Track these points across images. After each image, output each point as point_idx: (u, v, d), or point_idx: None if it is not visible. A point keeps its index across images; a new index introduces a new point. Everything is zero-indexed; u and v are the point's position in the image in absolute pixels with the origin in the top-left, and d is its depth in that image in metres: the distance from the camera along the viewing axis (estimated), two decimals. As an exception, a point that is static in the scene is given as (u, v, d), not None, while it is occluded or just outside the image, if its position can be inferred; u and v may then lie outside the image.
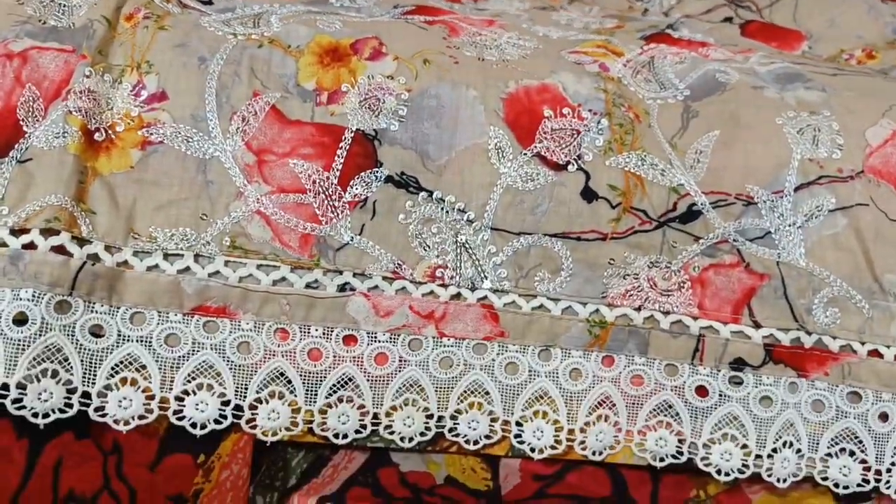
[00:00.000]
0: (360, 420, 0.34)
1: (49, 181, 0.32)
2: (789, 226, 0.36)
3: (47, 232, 0.32)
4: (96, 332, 0.32)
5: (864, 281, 0.36)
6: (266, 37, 0.37)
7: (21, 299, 0.31)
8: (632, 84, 0.40)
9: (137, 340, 0.33)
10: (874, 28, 0.52)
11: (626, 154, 0.36)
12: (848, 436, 0.36)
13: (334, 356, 0.34)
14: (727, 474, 0.36)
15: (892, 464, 0.36)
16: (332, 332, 0.34)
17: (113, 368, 0.32)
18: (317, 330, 0.34)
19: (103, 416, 0.32)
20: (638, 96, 0.39)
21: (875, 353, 0.36)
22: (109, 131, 0.34)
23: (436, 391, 0.35)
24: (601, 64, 0.40)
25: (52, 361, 0.31)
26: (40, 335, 0.31)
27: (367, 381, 0.34)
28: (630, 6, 0.60)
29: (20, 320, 0.31)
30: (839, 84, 0.41)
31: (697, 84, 0.40)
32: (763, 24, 0.55)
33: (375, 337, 0.35)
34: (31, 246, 0.32)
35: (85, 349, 0.32)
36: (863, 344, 0.36)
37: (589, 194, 0.36)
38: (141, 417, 0.32)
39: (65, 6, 0.37)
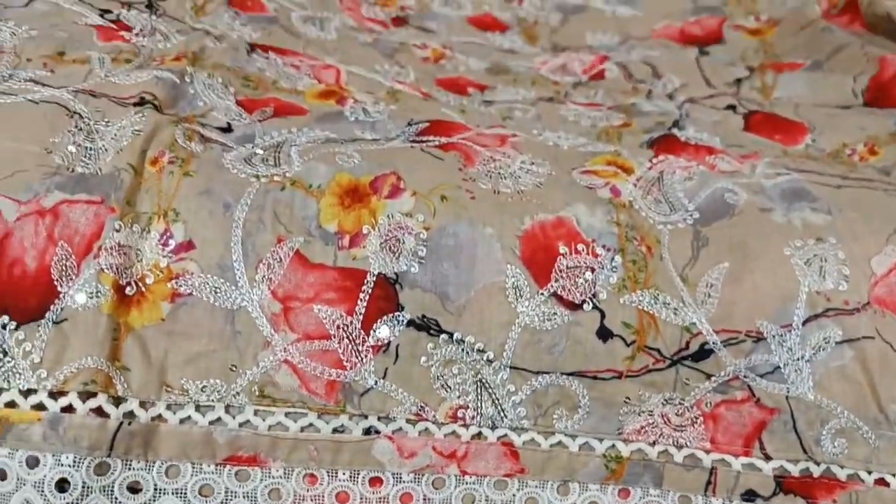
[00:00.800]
0: (386, 558, 0.35)
1: (85, 343, 0.33)
2: (798, 359, 0.37)
3: (85, 395, 0.33)
4: (134, 487, 0.33)
5: (869, 412, 0.37)
6: (288, 178, 0.38)
7: (62, 465, 0.32)
8: (643, 207, 0.41)
9: (173, 493, 0.34)
10: (875, 123, 0.53)
11: (639, 292, 0.37)
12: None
13: (361, 498, 0.35)
14: None
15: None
16: (358, 474, 0.35)
17: (149, 520, 0.33)
18: (344, 473, 0.35)
19: (140, 567, 0.33)
20: (649, 222, 0.40)
21: (881, 482, 0.37)
22: (140, 284, 0.35)
23: (458, 526, 0.36)
24: (612, 187, 0.42)
25: (91, 520, 0.32)
26: (82, 499, 0.32)
27: (393, 519, 0.36)
28: (634, 87, 0.62)
29: (62, 485, 0.32)
30: (844, 200, 0.42)
31: (706, 205, 0.41)
32: (767, 116, 0.56)
33: (400, 478, 0.36)
34: (69, 409, 0.33)
35: (122, 504, 0.33)
36: (869, 473, 0.37)
37: (604, 333, 0.37)
38: (176, 566, 0.34)
39: (91, 150, 0.38)
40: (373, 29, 0.64)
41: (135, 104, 0.40)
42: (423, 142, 0.43)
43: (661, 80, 0.62)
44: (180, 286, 0.35)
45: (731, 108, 0.57)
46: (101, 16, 0.49)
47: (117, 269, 0.35)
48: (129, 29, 0.49)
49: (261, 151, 0.40)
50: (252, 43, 0.52)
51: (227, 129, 0.42)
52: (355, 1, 0.67)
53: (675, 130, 0.50)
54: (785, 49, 0.66)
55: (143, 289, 0.35)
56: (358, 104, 0.48)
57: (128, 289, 0.35)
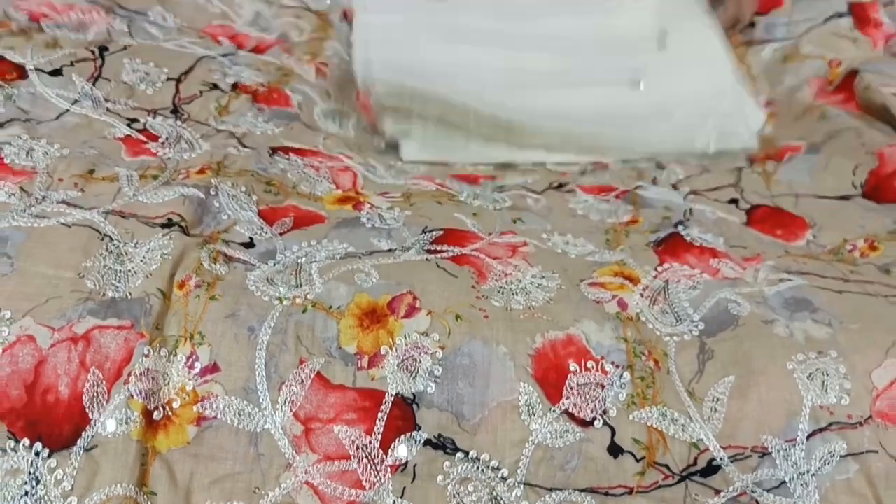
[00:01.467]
0: None
1: (115, 469, 0.35)
2: (803, 474, 0.38)
3: (114, 522, 0.34)
4: None
5: (876, 526, 0.38)
6: (310, 300, 0.40)
7: (92, 593, 0.33)
8: (649, 319, 0.42)
9: None
10: (874, 219, 0.55)
11: (648, 408, 0.39)
12: None
13: None
14: None
15: None
16: (377, 593, 0.36)
17: None
18: (363, 592, 0.36)
19: None
20: (656, 334, 0.41)
21: None
22: (167, 408, 0.37)
23: None
24: (619, 300, 0.43)
25: None
26: None
27: None
28: (639, 173, 0.63)
29: None
30: (845, 310, 0.43)
31: (711, 316, 0.43)
32: (769, 210, 0.57)
33: None
34: (99, 536, 0.34)
35: None
36: (876, 588, 0.38)
37: (615, 449, 0.38)
38: None
39: (121, 273, 0.39)
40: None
41: (162, 225, 0.42)
42: (437, 252, 0.45)
43: (664, 171, 0.64)
44: (205, 410, 0.37)
45: (734, 201, 0.59)
46: (129, 125, 0.52)
47: (146, 394, 0.36)
48: (155, 139, 0.51)
49: (283, 269, 0.42)
50: (273, 147, 0.54)
51: (250, 245, 0.44)
52: (366, 95, 0.70)
53: (680, 229, 0.52)
54: (783, 136, 0.68)
55: (170, 413, 0.37)
56: (374, 210, 0.50)
57: (155, 413, 0.36)
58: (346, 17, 0.75)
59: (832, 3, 0.74)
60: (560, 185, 0.58)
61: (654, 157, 0.66)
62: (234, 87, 0.59)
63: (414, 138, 0.65)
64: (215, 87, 0.58)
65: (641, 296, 0.44)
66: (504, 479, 0.38)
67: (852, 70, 0.68)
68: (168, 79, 0.57)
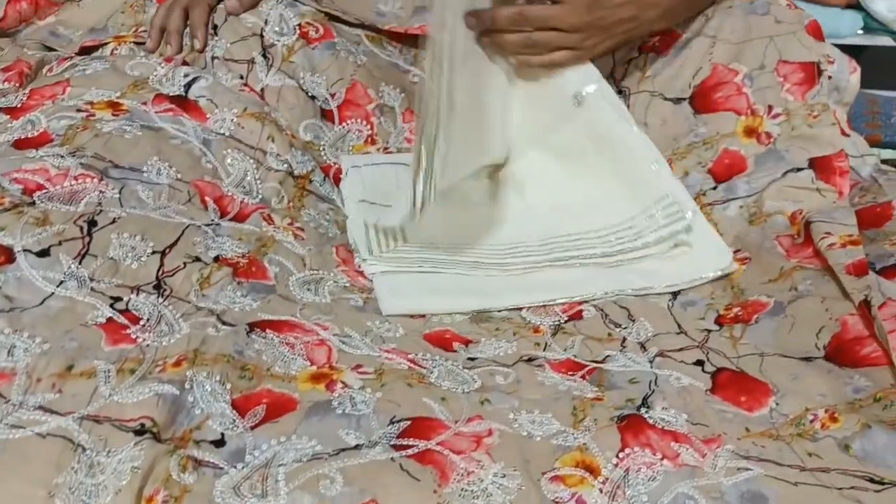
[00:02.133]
0: None
1: None
2: None
3: None
4: None
5: None
6: (273, 514, 0.41)
7: None
8: (609, 517, 0.43)
9: None
10: (834, 388, 0.56)
11: None
12: None
13: None
14: None
15: None
16: None
17: None
18: None
19: None
20: (615, 534, 0.42)
21: None
22: None
23: None
24: (578, 497, 0.44)
25: None
26: None
27: None
28: (609, 333, 0.65)
29: None
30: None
31: (668, 513, 0.44)
32: (733, 374, 0.59)
33: None
34: None
35: None
36: None
37: None
38: None
39: (92, 487, 0.41)
40: (364, 287, 0.68)
41: (136, 432, 0.44)
42: (403, 447, 0.46)
43: (635, 324, 0.66)
44: None
45: (700, 363, 0.60)
46: (112, 305, 0.54)
47: None
48: (136, 321, 0.53)
49: (250, 474, 0.43)
50: (251, 323, 0.56)
51: (221, 442, 0.46)
52: (349, 252, 0.72)
53: (643, 411, 0.53)
54: (750, 286, 0.70)
55: None
56: (346, 391, 0.51)
57: None
58: (335, 180, 0.79)
59: (791, 160, 0.77)
60: (530, 359, 0.60)
61: (626, 307, 0.68)
62: (216, 259, 0.61)
63: (397, 291, 0.67)
64: (198, 259, 0.60)
65: (601, 491, 0.45)
66: None
67: (807, 221, 0.71)
68: (153, 252, 0.59)
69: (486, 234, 0.76)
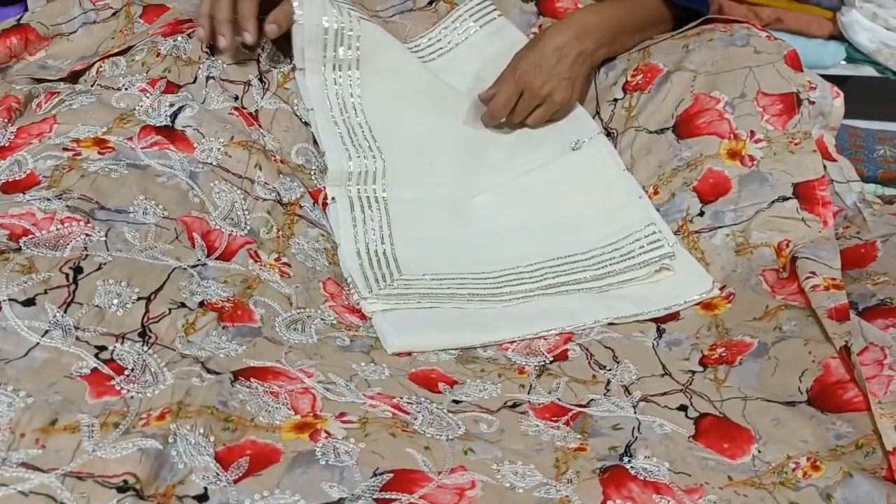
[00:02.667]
0: None
1: None
2: None
3: None
4: None
5: None
6: (255, 574, 0.41)
7: None
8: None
9: None
10: (817, 434, 0.57)
11: None
12: None
13: None
14: None
15: None
16: None
17: None
18: None
19: None
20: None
21: None
22: None
23: None
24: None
25: None
26: None
27: None
28: (594, 375, 0.65)
29: None
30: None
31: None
32: (716, 420, 0.59)
33: None
34: None
35: None
36: None
37: None
38: None
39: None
40: (351, 324, 0.68)
41: (118, 489, 0.44)
42: (386, 501, 0.46)
43: (619, 366, 0.66)
44: None
45: (684, 409, 0.61)
46: (97, 355, 0.54)
47: None
48: (121, 370, 0.53)
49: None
50: (236, 371, 0.56)
51: (204, 497, 0.46)
52: (338, 286, 0.73)
53: (625, 460, 0.53)
54: (735, 325, 0.70)
55: None
56: (330, 441, 0.51)
57: None
58: (324, 206, 0.79)
59: (777, 187, 0.78)
60: (515, 405, 0.60)
61: (611, 347, 0.69)
62: (201, 304, 0.61)
63: (400, 328, 0.69)
64: (183, 305, 0.60)
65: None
66: None
67: (794, 257, 0.72)
68: (139, 298, 0.59)
69: (479, 263, 0.77)
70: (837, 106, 0.84)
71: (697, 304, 0.74)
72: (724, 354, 0.67)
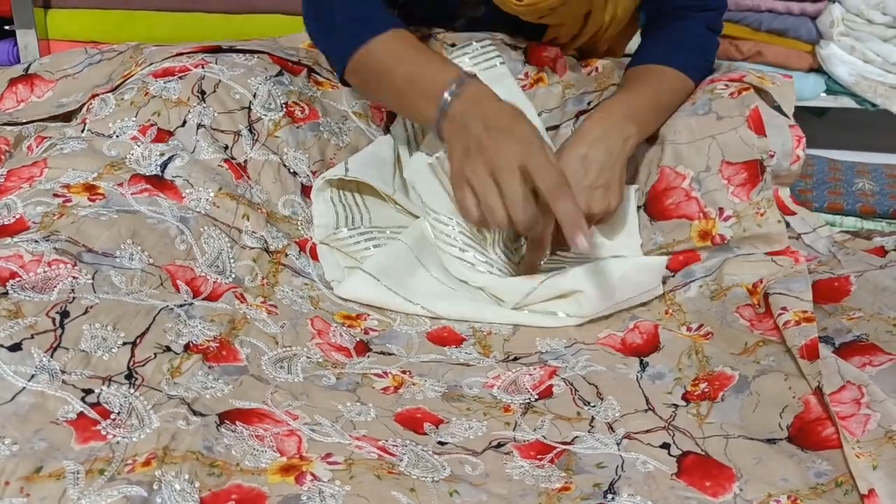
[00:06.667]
0: None
1: None
2: None
3: None
4: None
5: None
6: None
7: None
8: None
9: None
10: (797, 472, 0.57)
11: None
12: None
13: None
14: None
15: None
16: None
17: None
18: None
19: None
20: None
21: None
22: None
23: None
24: None
25: None
26: None
27: None
28: (578, 412, 0.66)
29: None
30: None
31: None
32: (698, 458, 0.60)
33: None
34: None
35: None
36: None
37: None
38: None
39: None
40: (337, 363, 0.69)
41: (102, 539, 0.44)
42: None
43: (603, 403, 0.67)
44: None
45: (667, 447, 0.61)
46: (84, 399, 0.54)
47: None
48: (107, 415, 0.54)
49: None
50: (221, 414, 0.57)
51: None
52: (325, 322, 0.73)
53: (609, 498, 0.54)
54: (715, 356, 0.71)
55: None
56: (315, 484, 0.52)
57: None
58: (311, 254, 0.80)
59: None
60: (499, 445, 0.60)
61: (594, 383, 0.69)
62: (186, 347, 0.62)
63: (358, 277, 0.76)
64: (168, 349, 0.61)
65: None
66: None
67: (766, 293, 0.73)
68: (124, 343, 0.60)
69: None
70: (794, 170, 0.86)
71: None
72: (706, 390, 0.68)
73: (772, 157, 0.83)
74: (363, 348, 0.73)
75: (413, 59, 0.77)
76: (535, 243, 0.79)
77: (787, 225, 0.85)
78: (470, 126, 0.72)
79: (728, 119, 0.84)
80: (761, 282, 0.77)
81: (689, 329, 0.77)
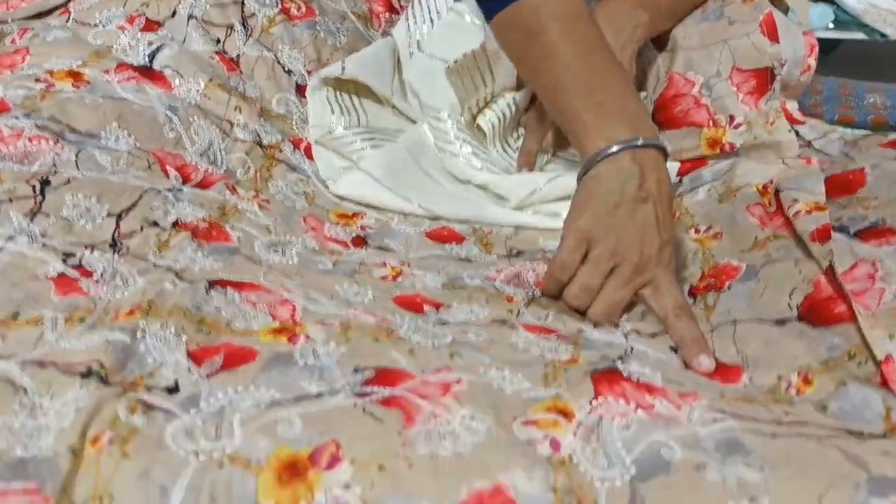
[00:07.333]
0: None
1: None
2: None
3: None
4: None
5: None
6: (227, 454, 0.39)
7: None
8: (581, 461, 0.42)
9: None
10: (807, 349, 0.55)
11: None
12: None
13: None
14: None
15: None
16: None
17: None
18: None
19: None
20: (587, 479, 0.41)
21: None
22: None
23: None
24: (552, 440, 0.42)
25: None
26: None
27: None
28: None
29: None
30: (778, 455, 0.43)
31: (643, 459, 0.42)
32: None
33: None
34: None
35: None
36: None
37: None
38: None
39: (33, 428, 0.38)
40: (333, 250, 0.66)
41: (82, 375, 0.41)
42: (366, 395, 0.44)
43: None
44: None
45: (674, 350, 0.59)
46: (65, 261, 0.52)
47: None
48: (89, 275, 0.51)
49: (205, 420, 0.41)
50: (211, 280, 0.54)
51: (174, 389, 0.43)
52: (318, 220, 0.71)
53: (618, 364, 0.52)
54: (721, 253, 0.69)
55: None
56: (309, 343, 0.49)
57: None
58: (306, 153, 0.77)
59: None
60: (504, 321, 0.58)
61: None
62: (175, 224, 0.59)
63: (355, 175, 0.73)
64: (156, 224, 0.58)
65: (574, 435, 0.43)
66: None
67: (777, 190, 0.71)
68: (109, 214, 0.57)
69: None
70: (804, 80, 0.83)
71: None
72: (712, 283, 0.66)
73: (783, 65, 0.81)
74: (360, 242, 0.70)
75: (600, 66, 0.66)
76: (533, 131, 0.75)
77: (797, 134, 0.83)
78: (638, 192, 0.61)
79: (741, 24, 0.82)
80: (772, 182, 0.75)
81: (696, 231, 0.74)
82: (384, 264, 0.66)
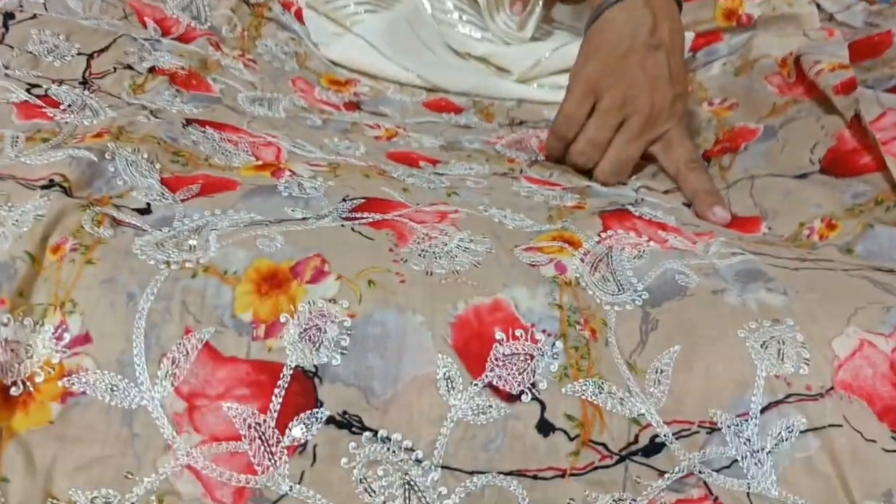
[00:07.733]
0: None
1: (-45, 452, 0.30)
2: (757, 451, 0.34)
3: (-49, 513, 0.29)
4: None
5: (841, 509, 0.34)
6: (201, 264, 0.35)
7: None
8: (589, 285, 0.38)
9: None
10: (831, 197, 0.51)
11: (582, 381, 0.34)
12: None
13: None
14: None
15: None
16: None
17: None
18: None
19: None
20: (595, 302, 0.37)
21: (857, 590, 0.33)
22: (27, 384, 0.32)
23: None
24: (557, 263, 0.39)
25: None
26: None
27: None
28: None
29: None
30: (802, 282, 0.39)
31: (656, 285, 0.39)
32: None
33: None
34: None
35: None
36: (844, 579, 0.33)
37: (545, 427, 0.34)
38: None
39: (-12, 237, 0.35)
40: (324, 110, 0.62)
41: (42, 187, 0.38)
42: (355, 219, 0.40)
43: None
44: (72, 384, 0.32)
45: (687, 205, 0.55)
46: (29, 90, 0.48)
47: (3, 367, 0.31)
48: (56, 105, 0.47)
49: (177, 235, 0.37)
50: (189, 118, 0.50)
51: (146, 211, 0.39)
52: (308, 83, 0.66)
53: (629, 207, 0.48)
54: (738, 119, 0.65)
55: (31, 388, 0.32)
56: (294, 178, 0.45)
57: (13, 389, 0.31)
58: (297, 16, 0.72)
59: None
60: (505, 174, 0.54)
61: None
62: (151, 70, 0.55)
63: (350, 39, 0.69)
64: (130, 67, 0.54)
65: (582, 260, 0.40)
66: (419, 461, 0.33)
67: (798, 57, 0.66)
68: (79, 53, 0.53)
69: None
70: None
71: None
72: (727, 146, 0.62)
73: None
74: (353, 107, 0.66)
75: None
76: None
77: (818, 7, 0.78)
78: (650, 38, 0.56)
79: None
80: (791, 54, 0.70)
81: (710, 104, 0.70)
82: (378, 126, 0.62)
